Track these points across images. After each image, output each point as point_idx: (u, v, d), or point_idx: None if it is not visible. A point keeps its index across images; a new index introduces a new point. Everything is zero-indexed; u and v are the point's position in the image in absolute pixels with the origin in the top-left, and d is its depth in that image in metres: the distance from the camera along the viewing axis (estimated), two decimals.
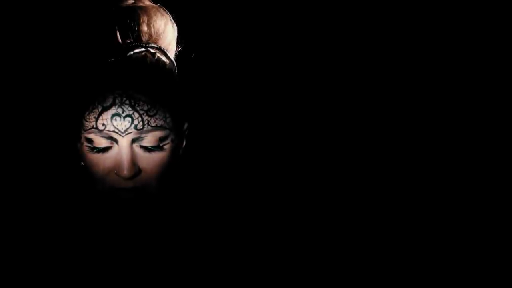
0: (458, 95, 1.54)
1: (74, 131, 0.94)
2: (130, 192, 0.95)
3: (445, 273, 1.45)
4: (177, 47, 1.05)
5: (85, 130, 0.92)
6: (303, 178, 1.46)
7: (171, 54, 1.02)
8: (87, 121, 0.92)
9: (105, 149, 0.93)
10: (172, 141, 0.96)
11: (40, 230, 1.02)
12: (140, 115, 0.92)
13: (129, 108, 0.91)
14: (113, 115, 0.91)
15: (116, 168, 0.93)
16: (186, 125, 1.04)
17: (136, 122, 0.92)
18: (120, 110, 0.91)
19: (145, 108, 0.92)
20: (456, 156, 1.51)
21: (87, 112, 0.92)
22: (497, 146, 1.53)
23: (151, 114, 0.93)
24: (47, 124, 1.19)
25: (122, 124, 0.91)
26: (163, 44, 1.00)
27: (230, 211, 1.08)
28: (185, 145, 1.05)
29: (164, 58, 0.99)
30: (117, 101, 0.91)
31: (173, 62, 1.02)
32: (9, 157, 1.24)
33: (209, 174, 1.19)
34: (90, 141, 0.93)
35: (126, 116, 0.91)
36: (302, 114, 1.59)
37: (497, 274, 1.43)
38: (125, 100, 0.91)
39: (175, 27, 1.04)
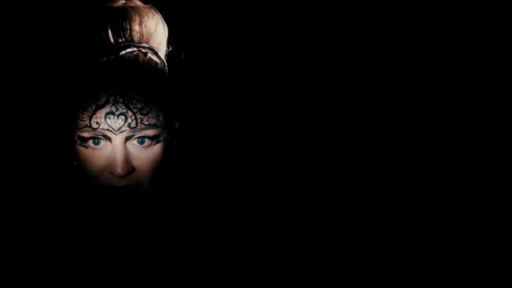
0: (458, 95, 1.56)
1: (68, 130, 0.95)
2: (123, 190, 0.95)
3: (445, 273, 1.46)
4: (168, 47, 1.06)
5: (79, 129, 0.93)
6: (294, 175, 1.47)
7: (162, 54, 1.03)
8: (81, 120, 0.93)
9: (98, 145, 0.94)
10: (164, 139, 0.97)
11: (33, 229, 1.02)
12: (134, 113, 0.93)
13: (123, 107, 0.92)
14: (107, 114, 0.92)
15: (109, 166, 0.94)
16: (177, 124, 1.05)
17: (129, 120, 0.92)
18: (114, 109, 0.92)
19: (139, 106, 0.93)
20: (456, 156, 1.53)
21: (80, 111, 0.92)
22: (497, 146, 1.56)
23: (144, 112, 0.94)
24: (41, 123, 1.19)
25: (116, 122, 0.92)
26: (154, 44, 1.01)
27: (223, 210, 1.09)
28: (177, 144, 1.06)
29: (155, 58, 1.00)
30: (110, 99, 0.92)
31: (164, 62, 1.03)
32: (2, 156, 1.24)
33: (201, 172, 1.20)
34: (83, 139, 0.94)
35: (120, 114, 0.92)
36: (293, 111, 1.60)
37: (497, 274, 1.45)
38: (119, 98, 0.92)
39: (166, 27, 1.05)
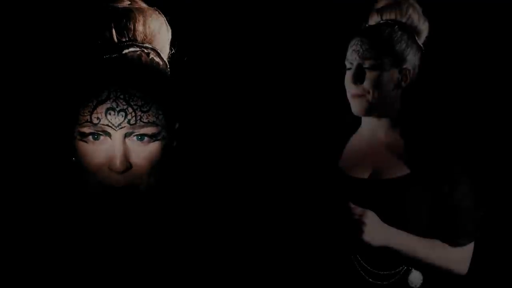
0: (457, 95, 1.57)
1: (68, 125, 0.96)
2: (122, 188, 0.95)
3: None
4: (171, 49, 1.08)
5: (80, 124, 0.94)
6: (294, 174, 1.47)
7: (165, 55, 1.05)
8: (82, 115, 0.93)
9: (97, 140, 0.94)
10: (163, 138, 0.98)
11: (32, 224, 1.02)
12: (134, 110, 0.93)
13: (123, 103, 0.93)
14: (107, 109, 0.92)
15: (108, 162, 0.94)
16: (177, 125, 1.05)
17: (129, 117, 0.93)
18: (114, 105, 0.92)
19: (139, 103, 0.94)
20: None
21: (81, 106, 0.93)
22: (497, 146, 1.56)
23: (145, 110, 0.94)
24: (42, 118, 1.19)
25: (116, 118, 0.92)
26: (157, 45, 1.02)
27: (221, 210, 1.09)
28: (176, 144, 1.07)
29: (157, 59, 1.01)
30: (111, 95, 0.92)
31: (166, 63, 1.04)
32: (3, 151, 1.25)
33: (200, 173, 1.20)
34: (83, 135, 0.94)
35: (120, 110, 0.93)
36: (293, 112, 1.62)
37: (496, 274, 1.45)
38: (120, 94, 0.93)
39: (169, 29, 1.06)
